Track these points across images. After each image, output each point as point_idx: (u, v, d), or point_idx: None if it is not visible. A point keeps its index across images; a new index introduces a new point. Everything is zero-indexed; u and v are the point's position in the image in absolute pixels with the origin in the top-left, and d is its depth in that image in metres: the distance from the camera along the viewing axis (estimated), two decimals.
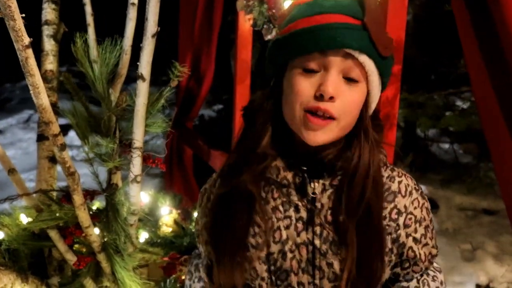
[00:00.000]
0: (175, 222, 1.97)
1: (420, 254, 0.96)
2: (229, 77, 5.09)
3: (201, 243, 1.05)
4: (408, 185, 0.96)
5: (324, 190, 0.93)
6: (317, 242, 0.92)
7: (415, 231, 0.95)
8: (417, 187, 0.98)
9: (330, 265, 0.91)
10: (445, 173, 4.52)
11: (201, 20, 3.30)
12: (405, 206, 0.95)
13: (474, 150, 5.04)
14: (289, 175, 0.93)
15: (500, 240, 3.60)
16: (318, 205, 0.92)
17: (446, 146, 5.42)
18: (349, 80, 0.86)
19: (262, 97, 0.96)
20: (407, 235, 0.95)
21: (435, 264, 1.02)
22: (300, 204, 0.93)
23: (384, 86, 0.94)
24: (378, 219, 0.91)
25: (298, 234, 0.92)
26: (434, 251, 0.99)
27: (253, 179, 0.93)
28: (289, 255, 0.92)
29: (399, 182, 0.96)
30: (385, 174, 0.96)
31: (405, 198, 0.95)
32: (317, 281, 0.92)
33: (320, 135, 0.87)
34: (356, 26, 0.84)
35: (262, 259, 0.93)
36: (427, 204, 0.99)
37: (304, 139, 0.88)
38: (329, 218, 0.92)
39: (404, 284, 0.98)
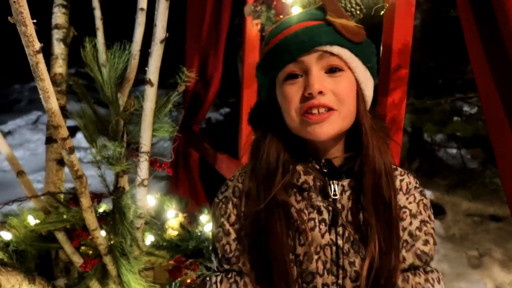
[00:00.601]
0: (181, 225, 1.98)
1: (412, 247, 0.96)
2: (236, 81, 5.10)
3: (234, 252, 0.99)
4: (410, 183, 1.00)
5: (343, 191, 0.96)
6: (340, 242, 0.94)
7: (410, 224, 0.97)
8: (417, 186, 1.01)
9: (352, 263, 0.94)
10: (452, 179, 4.49)
11: (209, 23, 3.32)
12: (403, 203, 0.98)
13: (481, 156, 5.01)
14: (310, 179, 0.96)
15: (507, 246, 3.57)
16: (339, 206, 0.96)
17: (454, 151, 5.39)
18: (332, 71, 0.90)
19: (265, 116, 1.00)
20: (403, 229, 0.97)
21: (433, 272, 0.98)
22: (322, 206, 0.96)
23: (372, 73, 0.97)
24: (396, 213, 0.94)
25: (322, 236, 0.95)
26: (426, 249, 0.97)
27: (285, 189, 0.95)
28: (315, 256, 0.94)
29: (401, 181, 1.00)
30: None
31: (404, 196, 0.99)
32: (340, 281, 0.94)
33: (326, 128, 0.90)
34: (320, 25, 0.90)
35: (293, 261, 0.95)
36: (426, 201, 1.00)
37: (311, 137, 0.92)
38: (350, 218, 0.95)
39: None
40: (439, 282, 0.96)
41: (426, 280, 0.95)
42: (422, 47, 4.84)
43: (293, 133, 0.96)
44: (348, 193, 0.96)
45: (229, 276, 1.00)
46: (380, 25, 1.53)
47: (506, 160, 1.10)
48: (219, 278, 1.01)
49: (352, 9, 1.32)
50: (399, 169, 1.02)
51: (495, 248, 3.57)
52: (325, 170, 0.96)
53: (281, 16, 1.73)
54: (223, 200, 1.03)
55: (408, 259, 0.96)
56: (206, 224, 1.94)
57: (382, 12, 1.41)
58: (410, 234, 0.97)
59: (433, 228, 0.99)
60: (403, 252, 0.96)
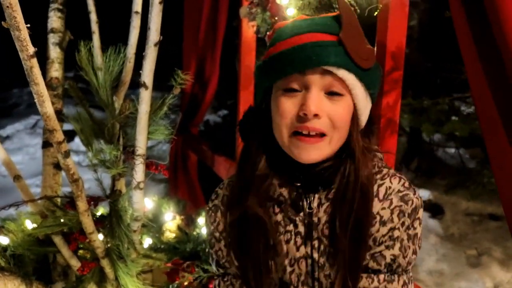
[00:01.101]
0: (179, 228, 1.98)
1: (376, 256, 0.92)
2: (234, 82, 5.10)
3: (227, 257, 1.00)
4: (390, 188, 0.93)
5: (320, 204, 0.93)
6: (315, 255, 0.93)
7: (378, 231, 0.91)
8: (401, 189, 0.93)
9: (327, 276, 0.92)
10: (451, 178, 4.50)
11: (206, 25, 3.32)
12: (377, 209, 0.92)
13: (480, 155, 5.02)
14: (285, 192, 0.94)
15: (506, 245, 3.58)
16: (315, 219, 0.93)
17: (452, 151, 5.39)
18: (332, 94, 0.87)
19: (254, 120, 0.98)
20: (370, 235, 0.92)
21: (403, 277, 0.95)
22: (297, 219, 0.94)
23: (373, 98, 0.94)
24: (367, 229, 0.91)
25: (298, 249, 0.93)
26: (387, 253, 0.92)
27: (259, 202, 0.94)
28: (289, 269, 0.94)
29: (380, 186, 0.93)
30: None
31: (380, 202, 0.93)
32: None
33: (313, 153, 0.88)
34: (331, 42, 0.85)
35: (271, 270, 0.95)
36: (405, 208, 0.92)
37: (296, 159, 0.89)
38: (326, 231, 0.92)
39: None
40: None
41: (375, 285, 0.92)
42: (419, 48, 4.85)
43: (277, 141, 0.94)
44: (325, 205, 0.92)
45: (226, 279, 1.02)
46: (374, 26, 1.54)
47: (500, 159, 1.10)
48: (217, 281, 1.05)
49: None
50: (385, 170, 0.96)
51: (494, 247, 3.58)
52: (298, 184, 0.93)
53: (276, 18, 1.74)
54: (213, 209, 1.04)
55: (364, 260, 0.92)
56: (203, 226, 1.94)
57: (376, 13, 1.41)
58: (374, 240, 0.92)
59: (409, 235, 0.92)
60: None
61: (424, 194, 4.43)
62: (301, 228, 0.93)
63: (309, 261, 0.93)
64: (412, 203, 0.93)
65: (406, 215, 0.92)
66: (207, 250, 1.06)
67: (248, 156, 0.97)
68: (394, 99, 1.52)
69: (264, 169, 0.95)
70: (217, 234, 1.02)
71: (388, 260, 0.92)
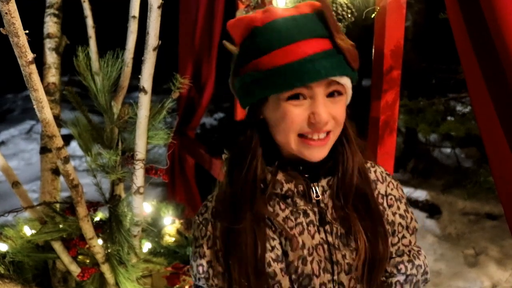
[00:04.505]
0: (178, 232, 1.97)
1: (407, 227, 1.04)
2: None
3: (211, 277, 1.01)
4: (382, 172, 1.07)
5: (324, 191, 0.99)
6: (330, 239, 0.97)
7: (398, 208, 1.04)
8: (388, 172, 1.08)
9: (344, 256, 0.96)
10: (447, 178, 4.51)
11: (202, 28, 3.32)
12: (385, 190, 1.04)
13: (476, 155, 5.04)
14: (292, 186, 0.98)
15: (503, 244, 3.59)
16: (323, 205, 0.99)
17: (448, 151, 5.41)
18: (332, 95, 0.92)
19: (246, 129, 0.99)
20: (393, 214, 1.03)
21: (415, 247, 1.06)
22: (307, 208, 0.98)
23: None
24: (375, 203, 1.00)
25: (313, 237, 0.97)
26: (415, 224, 1.06)
27: (264, 202, 0.97)
28: (309, 258, 0.96)
29: (375, 171, 1.06)
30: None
31: (384, 184, 1.05)
32: (335, 277, 0.96)
33: (323, 151, 0.94)
34: (331, 51, 0.90)
35: (284, 270, 0.96)
36: (399, 184, 1.09)
37: (306, 158, 0.94)
38: (334, 214, 0.98)
39: (398, 259, 1.02)
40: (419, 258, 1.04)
41: (424, 256, 1.04)
42: (414, 48, 4.87)
43: (273, 143, 0.98)
44: (328, 192, 0.99)
45: None
46: (371, 27, 1.54)
47: (498, 158, 1.11)
48: None
49: (344, 13, 1.33)
50: (368, 162, 1.07)
51: (491, 246, 3.59)
52: (306, 176, 0.99)
53: None
54: (203, 222, 1.04)
55: (412, 242, 1.04)
56: None
57: (373, 15, 1.41)
58: (402, 217, 1.04)
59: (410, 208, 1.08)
60: (408, 237, 1.04)
61: (421, 194, 4.45)
62: (313, 217, 0.98)
63: (326, 246, 0.97)
64: (398, 182, 1.10)
65: (401, 190, 1.08)
66: (190, 263, 1.06)
67: (240, 164, 0.97)
68: (393, 98, 1.53)
69: (264, 172, 0.98)
70: (203, 250, 1.01)
71: (414, 229, 1.05)
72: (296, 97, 0.90)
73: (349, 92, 0.97)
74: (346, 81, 0.92)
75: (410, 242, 1.04)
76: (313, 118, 0.89)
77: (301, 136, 0.92)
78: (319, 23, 0.91)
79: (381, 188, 1.04)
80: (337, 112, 0.92)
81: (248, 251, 0.94)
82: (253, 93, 0.95)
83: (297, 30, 0.90)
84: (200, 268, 1.01)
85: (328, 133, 0.93)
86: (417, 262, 1.02)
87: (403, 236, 1.03)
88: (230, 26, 0.99)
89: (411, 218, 1.05)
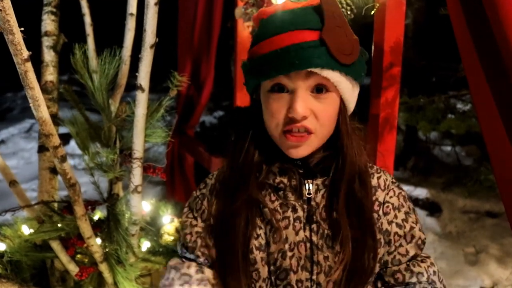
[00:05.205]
0: (177, 230, 1.96)
1: (405, 236, 1.00)
2: (229, 84, 5.10)
3: (199, 247, 1.02)
4: (386, 179, 1.03)
5: (318, 190, 0.98)
6: (314, 238, 0.96)
7: (395, 217, 1.01)
8: (393, 181, 1.05)
9: (326, 258, 0.95)
10: (448, 176, 4.50)
11: (200, 26, 3.31)
12: (383, 198, 1.01)
13: (476, 153, 5.03)
14: (285, 179, 0.98)
15: (504, 242, 3.58)
16: (314, 204, 0.97)
17: (448, 148, 5.40)
18: (319, 91, 0.89)
19: (247, 112, 1.02)
20: (389, 222, 1.00)
21: (423, 254, 1.04)
22: (297, 204, 0.97)
23: (361, 81, 0.97)
24: (370, 214, 0.97)
25: (297, 233, 0.96)
26: (419, 234, 1.02)
27: (257, 188, 0.97)
28: (289, 253, 0.96)
29: (378, 178, 1.02)
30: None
31: (384, 191, 1.02)
32: (314, 277, 0.96)
33: (302, 150, 0.93)
34: (314, 42, 0.86)
35: (265, 260, 0.97)
36: (404, 193, 1.05)
37: (288, 155, 0.94)
38: (324, 215, 0.97)
39: (395, 268, 1.00)
40: (433, 267, 1.01)
41: (425, 268, 1.00)
42: (414, 46, 4.86)
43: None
44: (322, 191, 0.97)
45: (187, 269, 1.03)
46: (371, 24, 1.53)
47: (500, 156, 1.10)
48: (186, 264, 1.04)
49: (343, 9, 1.32)
50: (375, 167, 1.05)
51: (492, 245, 3.58)
52: (301, 171, 0.97)
53: None
54: (200, 197, 1.06)
55: (410, 251, 1.00)
56: None
57: (373, 11, 1.41)
58: (399, 226, 1.00)
59: (416, 218, 1.04)
60: (405, 245, 1.00)
61: (421, 192, 4.43)
62: (301, 213, 0.97)
63: (308, 244, 0.96)
64: (405, 191, 1.06)
65: (408, 200, 1.05)
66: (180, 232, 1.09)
67: (240, 147, 0.99)
68: (392, 96, 1.53)
69: (258, 158, 0.98)
70: (195, 221, 1.04)
71: (416, 239, 1.01)
72: (280, 90, 0.90)
73: (342, 88, 0.91)
74: (330, 74, 0.87)
75: (407, 251, 1.00)
76: (290, 113, 0.88)
77: (285, 132, 0.91)
78: (316, 15, 0.89)
79: (380, 195, 1.01)
80: (319, 109, 0.89)
81: (240, 231, 0.96)
82: (248, 82, 0.98)
83: (291, 22, 0.89)
84: (188, 237, 1.03)
85: (308, 130, 0.90)
86: (416, 269, 0.98)
87: (400, 245, 1.00)
88: (253, 18, 1.00)
89: (412, 228, 1.01)
